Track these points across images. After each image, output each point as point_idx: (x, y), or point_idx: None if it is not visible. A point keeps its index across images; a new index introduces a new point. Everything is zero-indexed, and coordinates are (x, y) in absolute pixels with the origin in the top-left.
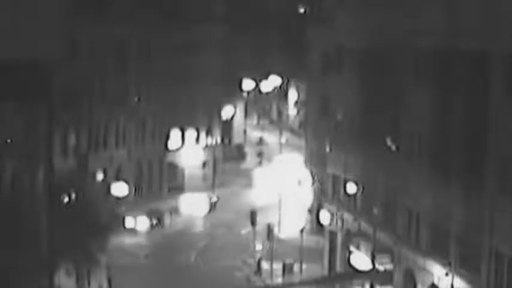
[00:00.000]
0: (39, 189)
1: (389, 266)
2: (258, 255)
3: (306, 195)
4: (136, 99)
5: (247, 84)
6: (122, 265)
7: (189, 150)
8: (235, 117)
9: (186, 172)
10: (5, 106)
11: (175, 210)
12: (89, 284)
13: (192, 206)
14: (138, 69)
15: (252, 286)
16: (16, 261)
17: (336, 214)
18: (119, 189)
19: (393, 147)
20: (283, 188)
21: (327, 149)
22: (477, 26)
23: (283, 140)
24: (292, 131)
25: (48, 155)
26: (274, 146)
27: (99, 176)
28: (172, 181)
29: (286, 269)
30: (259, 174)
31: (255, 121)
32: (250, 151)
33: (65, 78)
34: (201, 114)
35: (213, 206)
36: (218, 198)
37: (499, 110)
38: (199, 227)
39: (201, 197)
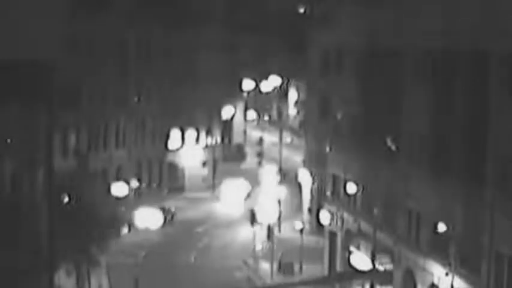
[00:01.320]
0: (39, 189)
1: (389, 266)
2: (279, 254)
3: (305, 195)
4: (136, 99)
5: (247, 84)
6: (121, 265)
7: (189, 150)
8: (235, 117)
9: (186, 172)
10: (5, 106)
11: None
12: (89, 284)
13: (147, 219)
14: (138, 69)
15: (252, 286)
16: (16, 261)
17: (336, 214)
18: (119, 189)
19: (393, 147)
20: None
21: (327, 149)
22: (477, 26)
23: (288, 140)
24: (292, 130)
25: (48, 155)
26: (274, 146)
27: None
28: (172, 181)
29: (286, 269)
30: (226, 187)
31: (255, 121)
32: (250, 151)
33: (65, 78)
34: (201, 114)
35: (169, 219)
36: (175, 211)
37: (499, 110)
38: (156, 238)
39: (154, 211)
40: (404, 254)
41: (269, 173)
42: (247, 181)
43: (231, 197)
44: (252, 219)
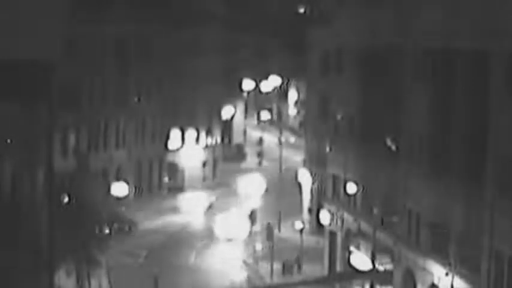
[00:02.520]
0: (39, 189)
1: (389, 266)
2: (295, 254)
3: (305, 195)
4: (136, 99)
5: (247, 84)
6: (121, 265)
7: (189, 150)
8: (235, 117)
9: (186, 172)
10: (5, 106)
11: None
12: (89, 284)
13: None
14: (138, 69)
15: (252, 286)
16: (16, 261)
17: (336, 214)
18: (119, 189)
19: (393, 147)
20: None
21: (327, 149)
22: (477, 26)
23: (292, 140)
24: (292, 131)
25: (48, 155)
26: (273, 145)
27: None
28: (172, 181)
29: (287, 269)
30: (187, 197)
31: (255, 121)
32: (250, 151)
33: (65, 78)
34: (201, 114)
35: (126, 231)
36: (135, 224)
37: (499, 110)
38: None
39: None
40: (404, 254)
41: (247, 184)
42: (210, 192)
43: (191, 208)
44: (252, 219)
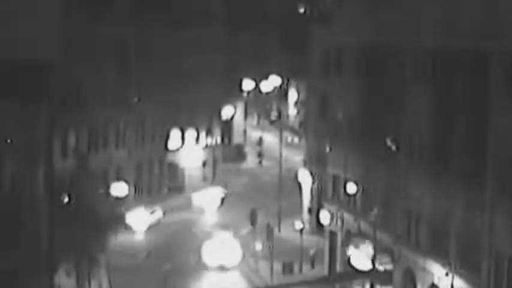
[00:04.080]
0: (39, 189)
1: (389, 266)
2: (312, 251)
3: (305, 195)
4: (136, 99)
5: (247, 84)
6: (121, 265)
7: (189, 150)
8: (235, 117)
9: (186, 172)
10: (5, 106)
11: None
12: (89, 284)
13: None
14: (138, 69)
15: (252, 286)
16: (16, 261)
17: (336, 214)
18: (119, 189)
19: (393, 147)
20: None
21: (327, 149)
22: (477, 26)
23: (296, 141)
24: (292, 130)
25: (48, 155)
26: (274, 145)
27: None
28: (172, 181)
29: (287, 269)
30: (137, 215)
31: (255, 121)
32: (250, 151)
33: (65, 79)
34: (201, 114)
35: None
36: None
37: (499, 110)
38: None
39: None
40: (404, 254)
41: (202, 198)
42: (159, 207)
43: (134, 224)
44: (252, 219)
